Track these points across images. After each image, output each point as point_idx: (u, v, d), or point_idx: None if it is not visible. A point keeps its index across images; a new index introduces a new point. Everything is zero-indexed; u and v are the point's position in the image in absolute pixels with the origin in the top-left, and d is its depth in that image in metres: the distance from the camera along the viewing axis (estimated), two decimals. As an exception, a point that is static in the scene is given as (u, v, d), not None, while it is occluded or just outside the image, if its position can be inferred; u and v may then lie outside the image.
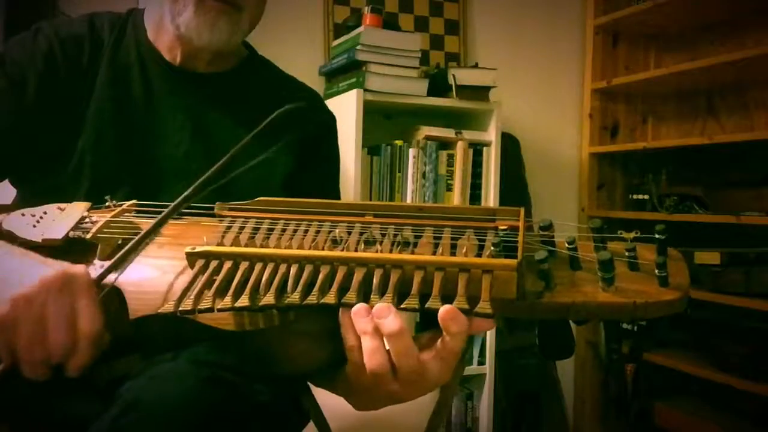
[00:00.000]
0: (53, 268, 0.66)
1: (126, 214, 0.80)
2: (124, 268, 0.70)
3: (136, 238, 0.69)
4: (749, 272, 2.08)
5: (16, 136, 0.94)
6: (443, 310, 0.58)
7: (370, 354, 0.60)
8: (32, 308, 0.62)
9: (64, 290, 0.63)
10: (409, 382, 0.61)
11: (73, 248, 0.75)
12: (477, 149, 2.12)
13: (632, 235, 0.63)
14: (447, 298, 0.59)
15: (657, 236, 0.61)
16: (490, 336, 2.17)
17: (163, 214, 0.71)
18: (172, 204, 0.71)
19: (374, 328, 0.59)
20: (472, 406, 2.24)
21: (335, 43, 2.19)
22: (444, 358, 0.61)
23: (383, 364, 0.60)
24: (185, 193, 0.71)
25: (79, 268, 0.66)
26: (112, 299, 0.67)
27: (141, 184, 0.95)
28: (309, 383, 0.85)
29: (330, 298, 0.60)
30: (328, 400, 0.84)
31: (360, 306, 0.60)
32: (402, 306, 0.60)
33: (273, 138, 1.02)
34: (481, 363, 2.19)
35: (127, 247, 0.69)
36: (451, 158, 2.09)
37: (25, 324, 0.62)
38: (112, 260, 0.68)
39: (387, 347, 0.61)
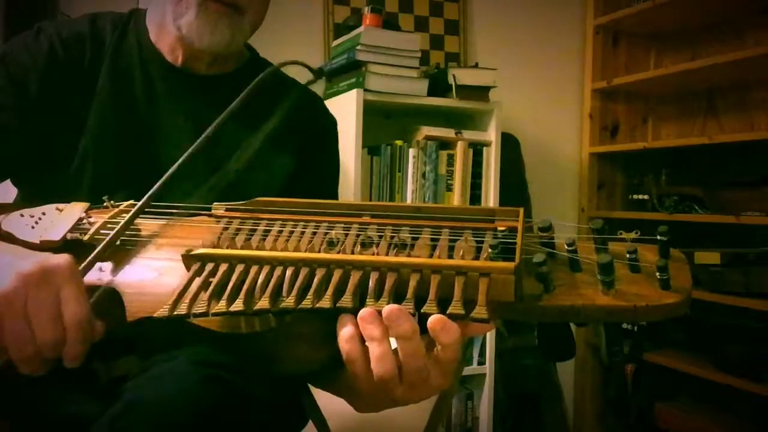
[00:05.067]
0: (31, 261, 0.63)
1: (123, 214, 0.80)
2: (121, 268, 0.70)
3: (112, 233, 0.72)
4: (749, 272, 2.08)
5: (17, 136, 0.93)
6: (432, 320, 0.56)
7: (379, 360, 0.58)
8: (13, 307, 0.60)
9: (44, 283, 0.61)
10: (413, 385, 0.59)
11: (71, 250, 0.75)
12: (477, 149, 2.12)
13: (632, 235, 0.62)
14: (444, 301, 0.58)
15: (659, 238, 0.59)
16: (490, 336, 2.17)
17: (137, 206, 0.75)
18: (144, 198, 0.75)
19: (382, 333, 0.57)
20: (472, 406, 2.23)
21: (335, 43, 2.18)
22: (441, 363, 0.59)
23: (392, 370, 0.58)
24: (155, 187, 0.76)
25: (59, 258, 0.63)
26: (111, 301, 0.67)
27: (142, 184, 0.95)
28: (308, 384, 0.85)
29: (325, 303, 0.59)
30: (327, 401, 0.84)
31: (367, 310, 0.58)
32: None
33: (277, 140, 1.02)
34: (481, 363, 2.19)
35: (105, 241, 0.70)
36: (451, 158, 2.09)
37: (9, 323, 0.60)
38: (91, 256, 0.68)
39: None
